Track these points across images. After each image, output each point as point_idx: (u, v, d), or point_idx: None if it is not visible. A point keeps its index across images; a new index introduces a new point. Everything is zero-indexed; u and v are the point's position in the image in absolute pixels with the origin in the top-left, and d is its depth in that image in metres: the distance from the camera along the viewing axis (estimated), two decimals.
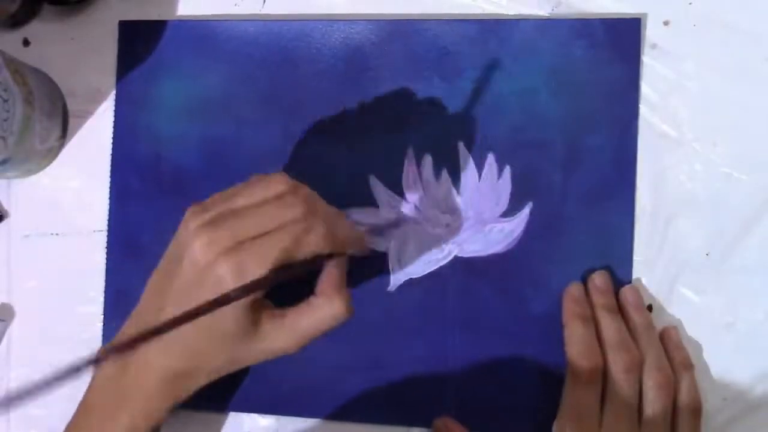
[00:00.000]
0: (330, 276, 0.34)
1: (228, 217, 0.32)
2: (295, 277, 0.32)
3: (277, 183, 0.34)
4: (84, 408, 0.36)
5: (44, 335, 0.44)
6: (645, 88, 0.40)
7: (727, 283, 0.39)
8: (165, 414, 0.35)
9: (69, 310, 0.44)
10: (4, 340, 0.45)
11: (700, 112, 0.39)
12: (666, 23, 0.40)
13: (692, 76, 0.39)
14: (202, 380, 0.35)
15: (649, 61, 0.40)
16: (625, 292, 0.38)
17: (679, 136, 0.39)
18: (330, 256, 0.34)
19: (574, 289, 0.38)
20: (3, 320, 0.44)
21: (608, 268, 0.39)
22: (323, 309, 0.33)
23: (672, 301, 0.39)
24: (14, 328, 0.45)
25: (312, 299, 0.34)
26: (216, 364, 0.34)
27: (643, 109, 0.40)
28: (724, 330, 0.39)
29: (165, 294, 0.33)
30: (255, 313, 0.33)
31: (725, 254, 0.39)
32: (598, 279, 0.38)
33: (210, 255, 0.31)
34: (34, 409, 0.44)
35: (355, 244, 0.35)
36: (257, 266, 0.31)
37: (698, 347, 0.39)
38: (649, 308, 0.39)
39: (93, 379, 0.36)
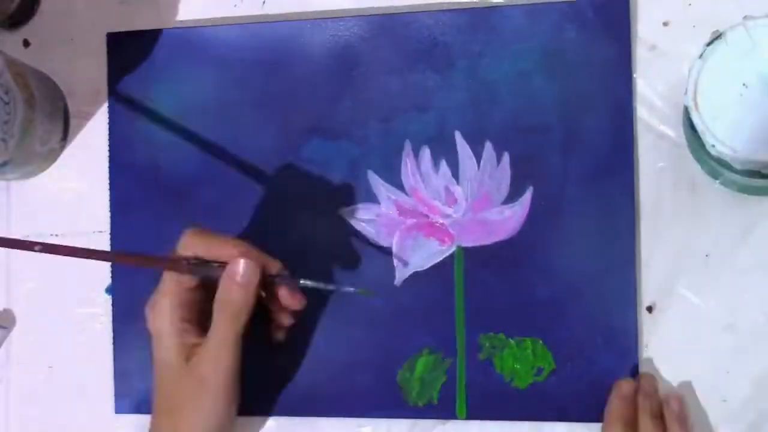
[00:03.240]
0: (219, 290, 0.36)
1: None
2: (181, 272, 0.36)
3: None
4: None
5: (44, 336, 0.44)
6: (644, 89, 0.40)
7: (727, 283, 0.39)
8: None
9: (69, 311, 0.44)
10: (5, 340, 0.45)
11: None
12: (665, 24, 0.40)
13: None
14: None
15: (648, 61, 0.40)
16: (670, 401, 0.38)
17: (678, 137, 0.39)
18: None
19: (625, 387, 0.38)
20: (4, 327, 0.44)
21: (612, 247, 0.39)
22: (216, 333, 0.36)
23: (672, 302, 0.39)
24: (14, 329, 0.45)
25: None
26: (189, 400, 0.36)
27: (642, 110, 0.40)
28: (724, 331, 0.39)
29: None
30: (185, 346, 0.36)
31: (725, 255, 0.39)
32: (646, 382, 0.38)
33: None
34: (33, 409, 0.44)
35: (241, 253, 0.36)
36: None
37: (698, 348, 0.39)
38: (649, 309, 0.39)
39: None
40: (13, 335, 0.45)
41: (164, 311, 0.37)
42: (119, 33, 0.44)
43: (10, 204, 0.45)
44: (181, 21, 0.44)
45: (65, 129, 0.45)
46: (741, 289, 0.39)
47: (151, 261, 0.37)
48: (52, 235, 0.44)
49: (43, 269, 0.44)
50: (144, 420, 0.39)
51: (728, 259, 0.39)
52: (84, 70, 0.44)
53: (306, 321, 0.41)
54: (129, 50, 0.43)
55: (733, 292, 0.39)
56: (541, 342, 0.39)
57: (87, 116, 0.45)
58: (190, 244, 0.36)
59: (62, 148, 0.45)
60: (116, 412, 0.43)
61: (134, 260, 0.38)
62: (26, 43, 0.45)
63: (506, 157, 0.40)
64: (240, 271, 0.35)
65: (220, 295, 0.36)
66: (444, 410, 0.40)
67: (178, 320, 0.36)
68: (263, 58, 0.42)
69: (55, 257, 0.44)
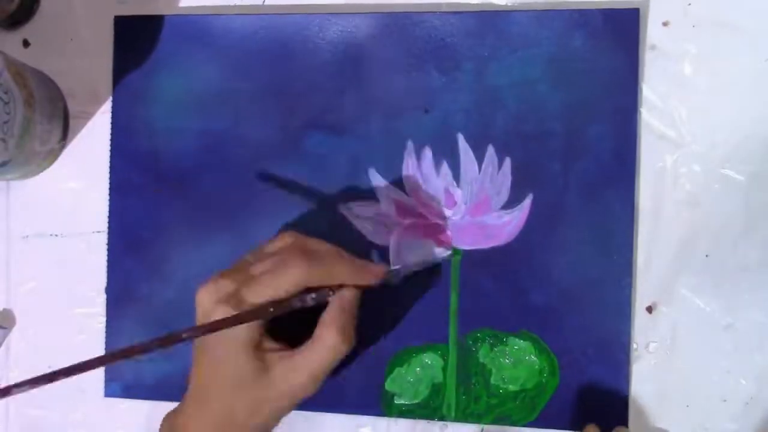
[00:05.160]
0: (329, 310, 0.35)
1: (229, 272, 0.35)
2: (294, 310, 0.34)
3: (277, 240, 0.37)
4: None
5: (43, 336, 0.44)
6: (644, 89, 0.40)
7: (727, 283, 0.39)
8: None
9: (68, 310, 0.44)
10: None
11: (700, 113, 0.39)
12: (665, 24, 0.40)
13: (692, 77, 0.39)
14: None
15: (648, 61, 0.40)
16: None
17: (679, 137, 0.39)
18: (336, 289, 0.35)
19: None
20: (4, 328, 0.44)
21: (609, 257, 0.39)
22: (321, 342, 0.34)
23: (672, 302, 0.39)
24: (14, 329, 0.45)
25: (314, 334, 0.35)
26: (242, 418, 0.34)
27: (643, 111, 0.40)
28: (723, 330, 0.39)
29: (196, 350, 0.36)
30: (262, 356, 0.34)
31: (725, 255, 0.39)
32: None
33: (208, 303, 0.34)
34: (33, 409, 0.44)
35: (355, 278, 0.36)
36: (246, 303, 0.34)
37: (698, 348, 0.39)
38: (649, 309, 0.39)
39: (161, 426, 0.37)
40: (13, 335, 0.45)
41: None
42: (127, 17, 0.44)
43: (10, 204, 0.45)
44: None
45: (65, 129, 0.44)
46: (741, 289, 0.39)
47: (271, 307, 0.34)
48: (51, 234, 0.44)
49: (43, 269, 0.44)
50: (135, 404, 0.41)
51: (728, 259, 0.39)
52: (84, 70, 0.44)
53: (299, 317, 0.41)
54: (136, 35, 0.43)
55: (733, 292, 0.39)
56: (535, 346, 0.39)
57: (87, 116, 0.44)
58: (300, 277, 0.34)
59: (62, 148, 0.45)
60: (105, 396, 0.43)
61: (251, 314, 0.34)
62: (26, 43, 0.45)
63: (508, 162, 0.40)
64: (352, 301, 0.35)
65: (333, 321, 0.34)
66: (434, 411, 0.40)
67: (258, 329, 0.35)
68: (270, 50, 0.42)
69: (53, 258, 0.44)
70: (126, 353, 0.32)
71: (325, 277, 0.35)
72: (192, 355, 0.36)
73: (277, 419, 0.36)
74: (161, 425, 0.36)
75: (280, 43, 0.42)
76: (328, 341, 0.34)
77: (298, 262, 0.34)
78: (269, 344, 0.35)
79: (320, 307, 0.35)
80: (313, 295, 0.35)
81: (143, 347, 0.32)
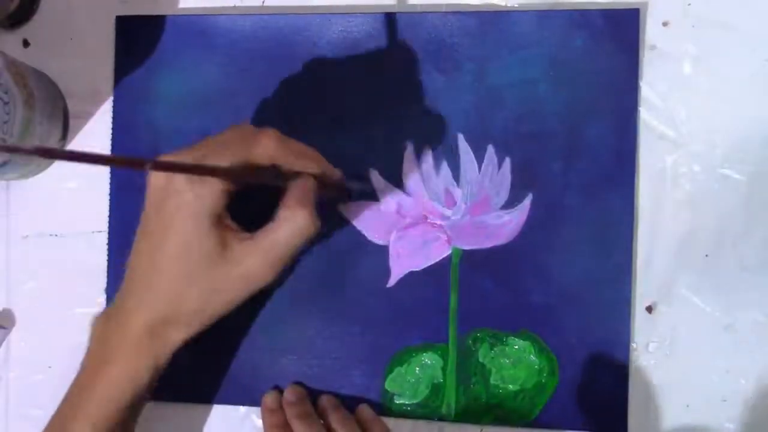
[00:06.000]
0: (293, 191, 0.33)
1: (190, 147, 0.33)
2: (259, 184, 0.33)
3: (239, 126, 0.35)
4: (83, 362, 0.36)
5: (43, 336, 0.44)
6: (644, 89, 0.40)
7: (727, 283, 0.39)
8: (149, 375, 0.34)
9: (68, 310, 0.44)
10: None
11: (700, 114, 0.39)
12: (665, 24, 0.40)
13: (691, 77, 0.39)
14: (182, 329, 0.34)
15: (648, 61, 0.40)
16: (319, 399, 0.40)
17: (678, 138, 0.39)
18: (295, 176, 0.34)
19: (269, 400, 0.40)
20: (4, 328, 0.44)
21: (609, 257, 0.39)
22: (288, 222, 0.32)
23: (672, 302, 0.39)
24: (14, 329, 0.45)
25: (276, 215, 0.33)
26: (193, 302, 0.33)
27: (643, 111, 0.40)
28: (723, 331, 0.39)
29: (141, 233, 0.34)
30: (221, 233, 0.32)
31: (725, 255, 0.39)
32: (288, 393, 0.40)
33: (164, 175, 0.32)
34: (33, 409, 0.44)
35: (321, 168, 0.35)
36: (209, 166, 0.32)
37: (698, 348, 0.39)
38: (649, 309, 0.39)
39: (92, 330, 0.36)
40: (13, 335, 0.45)
41: (213, 192, 0.32)
42: (128, 17, 0.44)
43: (10, 204, 0.45)
44: None
45: (65, 129, 0.45)
46: (741, 289, 0.39)
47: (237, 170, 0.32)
48: (51, 234, 0.44)
49: (43, 269, 0.44)
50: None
51: (728, 259, 0.39)
52: (84, 70, 0.44)
53: (299, 316, 0.41)
54: (137, 35, 0.43)
55: (733, 292, 0.39)
56: (535, 346, 0.39)
57: (87, 116, 0.44)
58: (271, 149, 0.33)
59: (62, 148, 0.45)
60: None
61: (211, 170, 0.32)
62: (26, 43, 0.45)
63: (507, 163, 0.40)
64: (314, 188, 0.34)
65: (300, 201, 0.33)
66: (434, 411, 0.40)
67: (223, 208, 0.33)
68: (271, 50, 0.42)
69: (53, 258, 0.44)
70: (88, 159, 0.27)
71: (294, 159, 0.34)
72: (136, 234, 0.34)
73: (226, 308, 0.34)
74: (91, 332, 0.35)
75: (281, 43, 0.42)
76: (296, 220, 0.32)
77: (271, 137, 0.33)
78: (230, 223, 0.34)
79: (272, 206, 0.34)
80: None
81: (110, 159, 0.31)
